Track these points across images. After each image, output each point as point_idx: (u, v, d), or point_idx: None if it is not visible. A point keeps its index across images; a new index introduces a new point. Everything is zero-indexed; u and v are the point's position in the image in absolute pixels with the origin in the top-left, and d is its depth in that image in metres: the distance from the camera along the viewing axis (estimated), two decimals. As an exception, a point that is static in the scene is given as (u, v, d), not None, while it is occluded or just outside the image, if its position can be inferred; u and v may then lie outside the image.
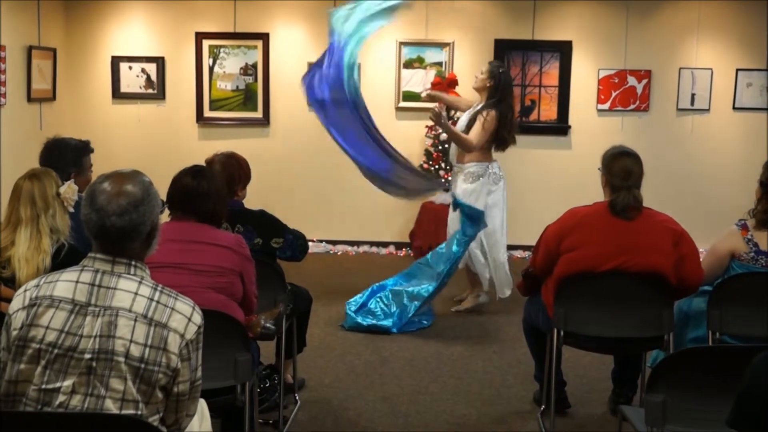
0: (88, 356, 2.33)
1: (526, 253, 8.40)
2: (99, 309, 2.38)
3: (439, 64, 8.97)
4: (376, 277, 7.84)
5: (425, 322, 6.51)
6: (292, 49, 9.09)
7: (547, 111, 9.12)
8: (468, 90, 7.45)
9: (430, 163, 8.68)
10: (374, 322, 6.35)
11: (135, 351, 2.35)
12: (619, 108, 9.11)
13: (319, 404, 4.96)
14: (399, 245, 9.15)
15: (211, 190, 3.71)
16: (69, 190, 3.87)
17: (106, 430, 2.34)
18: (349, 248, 9.20)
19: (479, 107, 6.73)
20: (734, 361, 2.71)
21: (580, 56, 9.03)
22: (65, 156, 4.70)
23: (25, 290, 2.45)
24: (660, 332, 4.24)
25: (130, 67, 9.16)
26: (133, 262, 2.47)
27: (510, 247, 7.88)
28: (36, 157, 4.69)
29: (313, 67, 6.41)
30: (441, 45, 8.98)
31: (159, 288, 2.47)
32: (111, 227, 2.41)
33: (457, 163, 6.88)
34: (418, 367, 5.60)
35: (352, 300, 6.62)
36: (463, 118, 6.91)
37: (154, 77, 9.16)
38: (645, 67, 9.05)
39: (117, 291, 2.41)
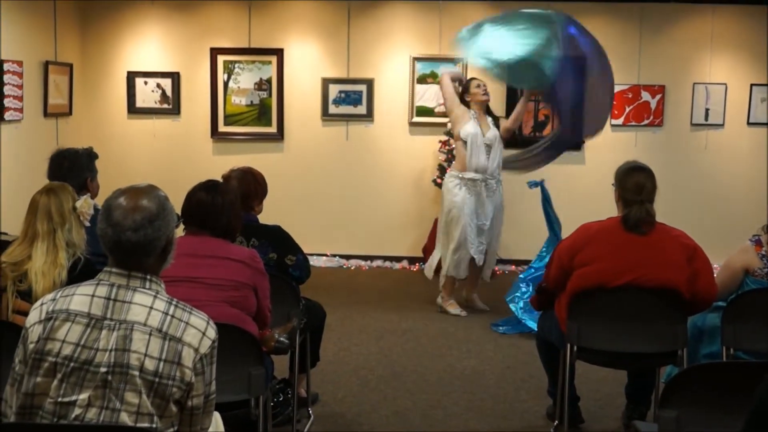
0: (103, 370, 2.35)
1: (540, 268, 8.39)
2: (114, 323, 2.39)
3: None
4: (389, 292, 7.87)
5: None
6: (306, 65, 9.13)
7: (561, 126, 9.12)
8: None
9: (444, 177, 8.68)
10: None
11: (149, 365, 2.36)
12: (633, 123, 9.10)
13: (332, 419, 4.97)
14: (412, 260, 9.15)
15: (225, 205, 3.74)
16: (85, 204, 3.90)
17: (122, 443, 2.36)
18: (362, 263, 9.21)
19: (492, 120, 7.27)
20: (748, 376, 2.69)
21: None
22: (79, 163, 4.73)
23: (42, 304, 2.46)
24: (674, 348, 4.23)
25: (146, 83, 9.22)
26: (149, 277, 2.48)
27: (523, 262, 7.91)
28: (53, 173, 4.71)
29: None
30: (455, 60, 9.00)
31: (174, 302, 2.48)
32: (126, 242, 2.43)
33: (498, 173, 7.28)
34: (431, 382, 5.60)
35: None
36: (492, 132, 7.18)
37: (169, 92, 9.22)
38: (659, 82, 9.05)
39: (132, 305, 2.42)
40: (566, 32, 6.36)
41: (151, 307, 2.43)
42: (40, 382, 2.37)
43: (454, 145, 7.39)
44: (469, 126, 7.10)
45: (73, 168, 4.69)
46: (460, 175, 7.19)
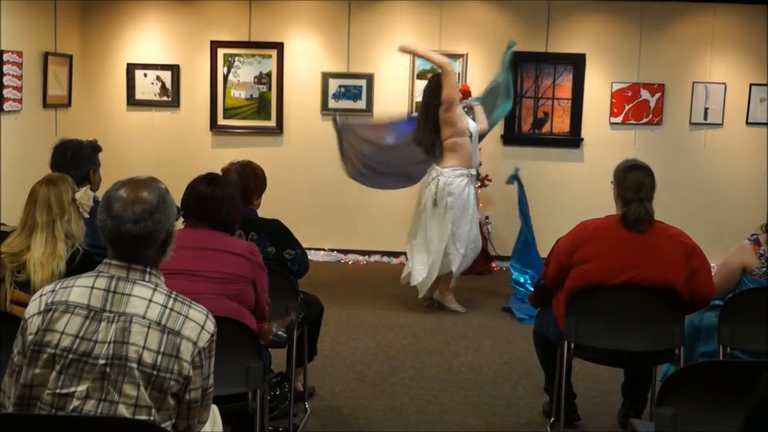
0: (102, 362, 2.35)
1: (537, 265, 8.39)
2: (113, 315, 2.39)
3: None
4: (387, 287, 7.87)
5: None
6: (306, 59, 9.13)
7: (560, 123, 9.13)
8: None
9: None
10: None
11: (148, 357, 2.37)
12: (632, 121, 9.10)
13: (329, 413, 4.97)
14: (410, 255, 9.15)
15: (225, 198, 3.74)
16: (84, 195, 3.89)
17: (119, 435, 2.36)
18: (360, 258, 9.21)
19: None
20: (745, 375, 2.70)
21: (593, 69, 9.04)
22: (82, 154, 4.74)
23: (41, 295, 2.46)
24: (671, 346, 4.24)
25: (145, 75, 9.21)
26: (148, 269, 2.48)
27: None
28: (52, 163, 4.71)
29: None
30: (455, 56, 8.99)
31: (173, 295, 2.48)
32: (126, 234, 2.43)
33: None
34: (428, 377, 5.61)
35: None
36: (473, 125, 7.22)
37: (168, 85, 9.21)
38: (658, 80, 9.05)
39: (131, 297, 2.42)
40: None
41: (150, 300, 2.43)
42: (38, 373, 2.37)
43: (448, 141, 6.98)
44: (469, 121, 7.09)
45: (76, 158, 4.69)
46: (468, 172, 7.04)
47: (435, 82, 7.06)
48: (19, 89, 7.68)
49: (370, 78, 9.07)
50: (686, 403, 2.92)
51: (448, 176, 6.95)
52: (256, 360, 3.55)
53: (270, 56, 9.12)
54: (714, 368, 3.09)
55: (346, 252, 9.26)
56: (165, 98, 9.24)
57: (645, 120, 9.10)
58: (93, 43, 9.22)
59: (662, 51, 9.04)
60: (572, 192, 9.08)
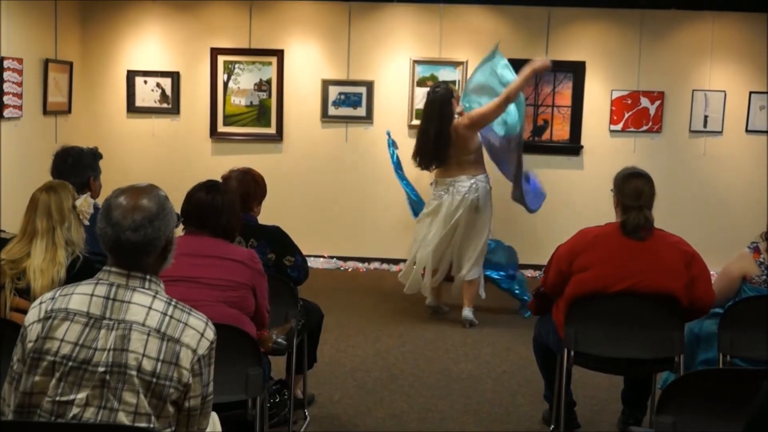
0: (101, 369, 2.35)
1: (537, 273, 8.40)
2: (113, 322, 2.39)
3: (453, 82, 8.97)
4: (386, 294, 7.86)
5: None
6: (307, 66, 9.13)
7: (560, 131, 9.13)
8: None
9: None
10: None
11: (147, 365, 2.36)
12: (632, 129, 9.11)
13: (328, 420, 4.97)
14: (410, 262, 9.14)
15: (225, 205, 3.74)
16: (85, 203, 3.90)
17: (119, 443, 2.35)
18: (359, 264, 9.20)
19: None
20: (745, 384, 2.70)
21: (593, 77, 9.05)
22: (83, 161, 4.75)
23: (41, 302, 2.46)
24: (671, 354, 4.23)
25: (146, 82, 9.22)
26: (148, 277, 2.48)
27: (521, 266, 7.90)
28: (52, 170, 4.72)
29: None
30: (454, 64, 9.01)
31: (173, 303, 2.48)
32: (126, 242, 2.43)
33: None
34: (428, 384, 5.60)
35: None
36: None
37: (168, 92, 9.21)
38: (658, 88, 9.06)
39: (131, 305, 2.42)
40: None
41: (149, 308, 2.43)
42: (38, 381, 2.37)
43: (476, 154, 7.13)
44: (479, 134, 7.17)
45: (76, 165, 4.71)
46: None
47: (446, 91, 7.08)
48: (20, 96, 7.68)
49: (370, 85, 9.08)
50: (686, 411, 2.92)
51: (484, 181, 7.10)
52: (256, 367, 3.54)
53: (270, 63, 9.13)
54: (714, 376, 3.09)
55: (345, 259, 9.25)
56: (165, 105, 9.24)
57: (645, 127, 9.10)
58: (93, 49, 9.23)
59: (662, 59, 9.05)
60: (572, 199, 9.07)
